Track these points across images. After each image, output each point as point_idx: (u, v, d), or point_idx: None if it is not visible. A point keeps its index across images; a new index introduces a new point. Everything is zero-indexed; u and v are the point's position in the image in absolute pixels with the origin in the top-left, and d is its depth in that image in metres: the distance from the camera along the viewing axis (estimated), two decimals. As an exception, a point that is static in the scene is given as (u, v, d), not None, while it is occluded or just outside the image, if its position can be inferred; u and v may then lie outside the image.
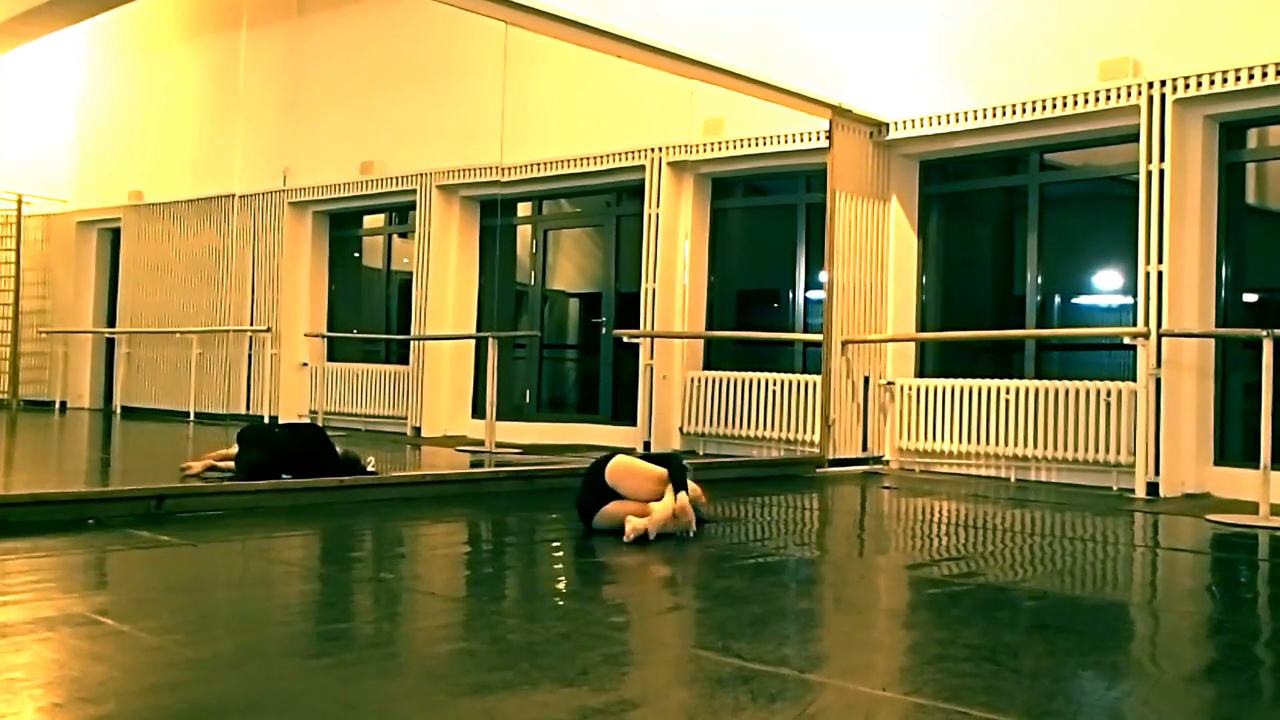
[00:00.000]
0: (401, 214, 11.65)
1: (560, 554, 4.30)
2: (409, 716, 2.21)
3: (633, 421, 9.11)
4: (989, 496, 6.71)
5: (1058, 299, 8.32)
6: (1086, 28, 7.40)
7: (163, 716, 2.17)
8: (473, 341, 10.61)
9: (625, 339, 9.32)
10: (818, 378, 8.25)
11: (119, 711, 2.16)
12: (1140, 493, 6.79)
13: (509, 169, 10.07)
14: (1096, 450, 7.20)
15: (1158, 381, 6.83)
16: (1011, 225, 8.52)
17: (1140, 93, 7.02)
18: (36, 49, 10.46)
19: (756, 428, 8.76)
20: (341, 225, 12.26)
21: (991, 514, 5.90)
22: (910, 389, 8.18)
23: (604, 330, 10.18)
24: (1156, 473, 6.79)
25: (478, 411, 10.07)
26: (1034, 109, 7.51)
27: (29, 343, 13.44)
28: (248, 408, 11.55)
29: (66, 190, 13.55)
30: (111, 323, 13.11)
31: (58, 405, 13.06)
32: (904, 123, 8.24)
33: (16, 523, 4.37)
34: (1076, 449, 7.29)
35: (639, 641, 3.01)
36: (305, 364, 11.43)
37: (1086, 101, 7.27)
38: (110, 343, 13.06)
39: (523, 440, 9.09)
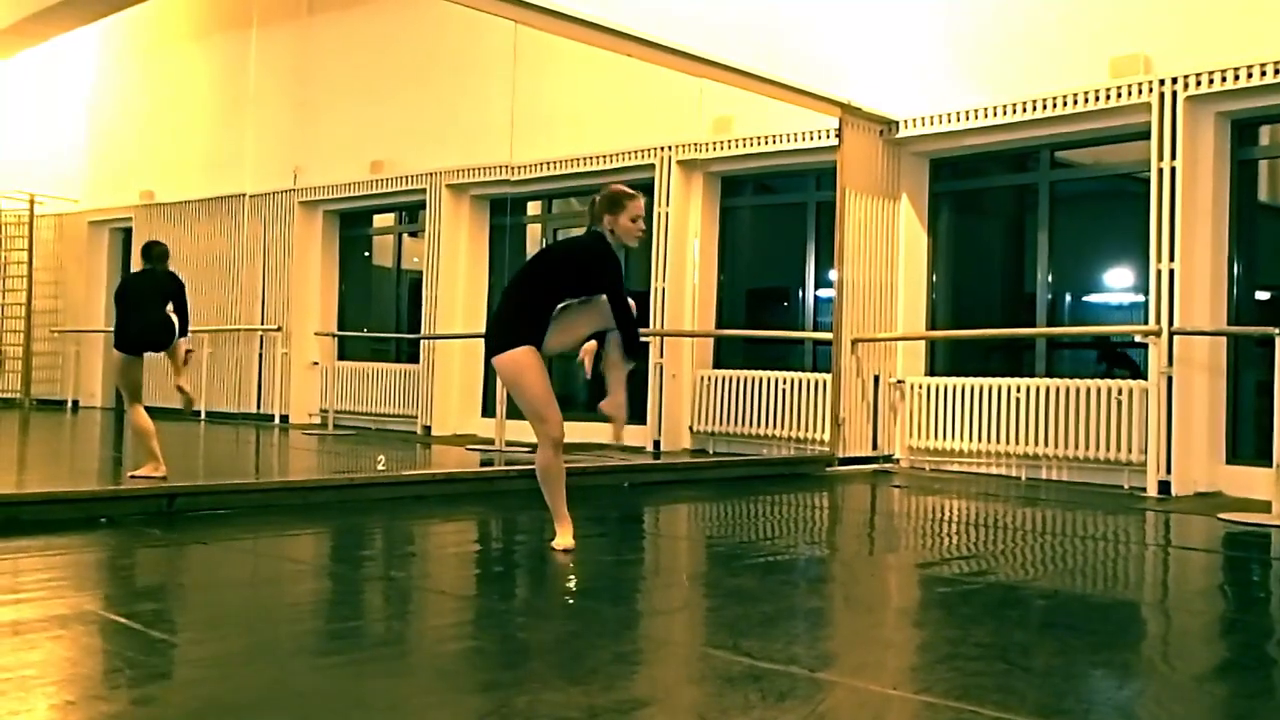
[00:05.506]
0: (411, 213, 11.66)
1: (570, 552, 4.30)
2: (419, 714, 2.21)
3: (642, 420, 9.10)
4: (999, 495, 6.70)
5: (1069, 297, 8.29)
6: (1097, 25, 7.37)
7: (174, 714, 2.18)
8: (482, 340, 10.59)
9: (635, 337, 9.30)
10: (828, 376, 8.24)
11: (131, 709, 2.17)
12: (1152, 491, 6.76)
13: (519, 168, 10.07)
14: (1108, 449, 7.17)
15: (1169, 380, 6.81)
16: (1022, 223, 8.49)
17: (1151, 90, 6.99)
18: (48, 50, 10.50)
19: (766, 426, 8.75)
20: (352, 224, 12.29)
21: (1002, 513, 5.89)
22: (920, 387, 8.15)
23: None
24: (1168, 471, 6.76)
25: (488, 410, 10.07)
26: (1044, 106, 7.47)
27: (41, 342, 13.50)
28: (258, 406, 11.59)
29: (78, 190, 13.60)
30: (123, 322, 13.14)
31: (70, 404, 13.11)
32: (914, 120, 8.21)
33: (30, 521, 4.39)
34: (1088, 447, 7.26)
35: (649, 640, 3.01)
36: (316, 363, 11.45)
37: (1097, 99, 7.24)
38: (122, 342, 13.08)
39: (533, 439, 9.07)
